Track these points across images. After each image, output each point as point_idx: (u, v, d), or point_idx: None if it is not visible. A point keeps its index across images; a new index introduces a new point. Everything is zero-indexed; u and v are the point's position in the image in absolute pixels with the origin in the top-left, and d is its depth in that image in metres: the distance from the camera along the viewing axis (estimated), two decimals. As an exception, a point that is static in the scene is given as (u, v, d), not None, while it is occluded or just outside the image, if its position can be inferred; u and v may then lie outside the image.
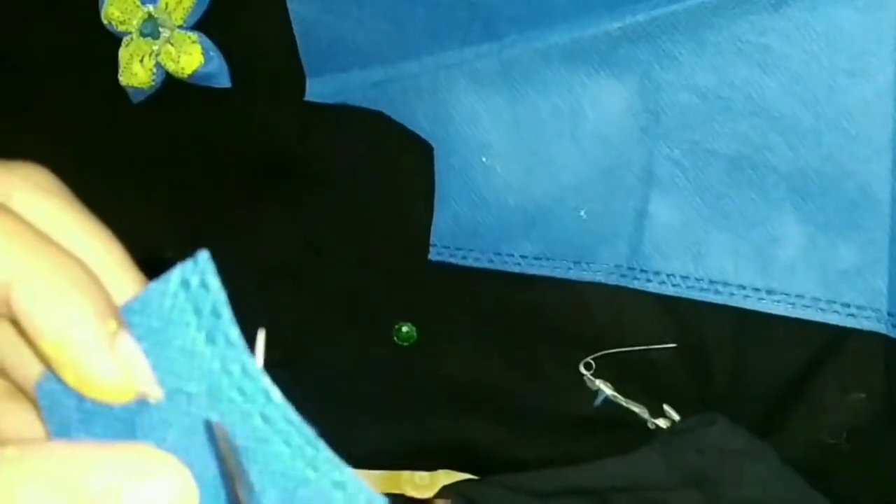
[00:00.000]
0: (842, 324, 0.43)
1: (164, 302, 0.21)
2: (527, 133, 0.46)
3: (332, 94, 0.48)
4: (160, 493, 0.19)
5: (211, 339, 0.20)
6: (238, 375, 0.20)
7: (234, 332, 0.20)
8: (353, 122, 0.48)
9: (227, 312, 0.20)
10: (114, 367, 0.20)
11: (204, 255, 0.20)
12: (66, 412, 0.22)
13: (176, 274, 0.20)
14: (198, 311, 0.20)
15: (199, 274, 0.20)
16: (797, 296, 0.44)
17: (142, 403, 0.21)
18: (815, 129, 0.42)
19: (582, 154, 0.46)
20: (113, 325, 0.20)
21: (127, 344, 0.20)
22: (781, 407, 0.45)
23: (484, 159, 0.47)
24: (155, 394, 0.20)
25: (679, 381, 0.47)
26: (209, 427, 0.20)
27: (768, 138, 0.43)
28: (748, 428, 0.45)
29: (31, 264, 0.19)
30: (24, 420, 0.23)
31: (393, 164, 0.48)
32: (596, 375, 0.48)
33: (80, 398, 0.21)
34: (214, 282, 0.20)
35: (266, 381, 0.20)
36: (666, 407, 0.47)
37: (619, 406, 0.48)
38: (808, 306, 0.43)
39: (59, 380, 0.21)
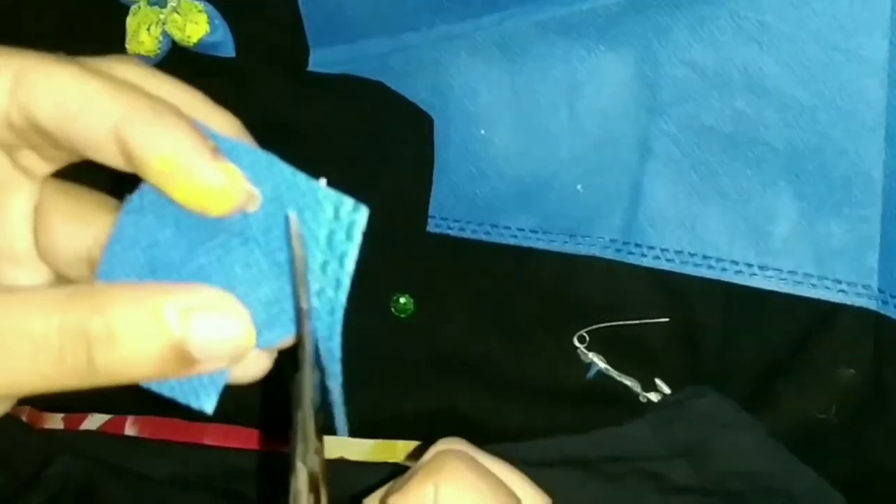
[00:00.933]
0: (832, 300, 0.43)
1: (296, 193, 0.23)
2: (525, 106, 0.47)
3: (334, 65, 0.48)
4: (222, 327, 0.22)
5: (323, 270, 0.23)
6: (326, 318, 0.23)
7: (346, 281, 0.22)
8: (354, 92, 0.48)
9: (350, 265, 0.22)
10: (219, 173, 0.22)
11: (364, 211, 0.23)
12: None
13: (332, 194, 0.22)
14: (329, 240, 0.22)
15: (351, 214, 0.22)
16: (789, 272, 0.44)
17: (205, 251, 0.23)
18: (811, 106, 0.43)
19: (579, 127, 0.46)
20: (212, 144, 0.23)
21: (225, 160, 0.23)
22: (771, 381, 0.46)
23: (482, 131, 0.47)
24: (254, 200, 0.23)
25: (671, 355, 0.47)
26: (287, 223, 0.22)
27: (764, 115, 0.43)
28: (738, 402, 0.46)
29: (138, 103, 0.22)
30: None
31: (393, 135, 0.49)
32: (589, 349, 0.48)
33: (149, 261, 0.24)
34: (358, 234, 0.22)
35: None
36: (657, 381, 0.48)
37: (612, 379, 0.48)
38: (799, 282, 0.44)
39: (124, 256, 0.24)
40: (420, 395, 0.53)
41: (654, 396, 0.48)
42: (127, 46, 0.49)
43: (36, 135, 0.23)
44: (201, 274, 0.24)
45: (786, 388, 0.45)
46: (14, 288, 0.24)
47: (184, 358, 0.21)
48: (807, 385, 0.44)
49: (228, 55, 0.49)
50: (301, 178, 0.23)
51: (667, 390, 0.47)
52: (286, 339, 0.24)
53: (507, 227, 0.49)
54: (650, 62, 0.44)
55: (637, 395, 0.48)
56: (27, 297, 0.22)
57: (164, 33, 0.48)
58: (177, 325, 0.21)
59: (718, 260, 0.45)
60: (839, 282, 0.43)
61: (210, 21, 0.48)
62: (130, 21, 0.49)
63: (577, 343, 0.49)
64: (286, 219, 0.23)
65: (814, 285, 0.44)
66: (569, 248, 0.48)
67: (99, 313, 0.21)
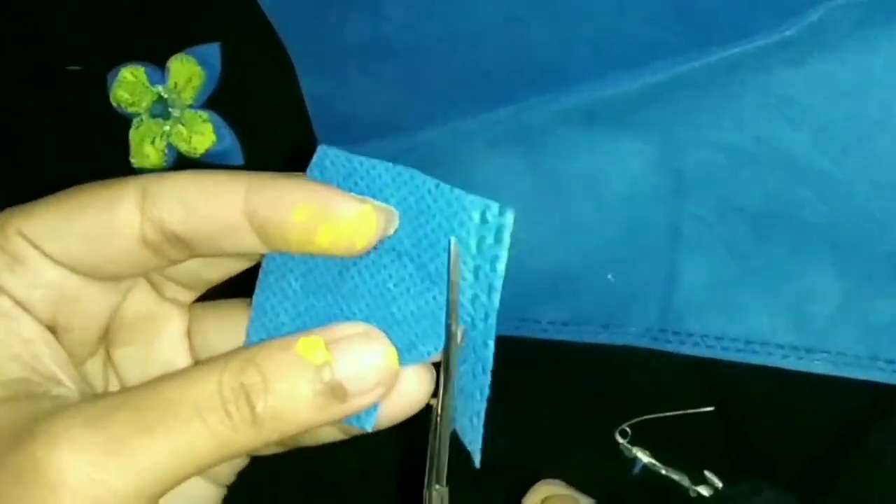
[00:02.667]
0: (887, 381, 0.41)
1: (442, 203, 0.24)
2: (548, 197, 0.45)
3: (347, 167, 0.47)
4: (365, 354, 0.23)
5: (475, 275, 0.24)
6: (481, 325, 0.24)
7: (498, 284, 0.24)
8: (370, 193, 0.47)
9: (501, 268, 0.24)
10: (355, 203, 0.23)
11: (510, 213, 0.24)
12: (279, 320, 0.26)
13: (477, 200, 0.24)
14: (479, 245, 0.24)
15: (498, 218, 0.24)
16: (838, 353, 0.42)
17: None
18: (846, 180, 0.41)
19: (606, 216, 0.45)
20: (335, 188, 0.24)
21: (352, 195, 0.24)
22: (827, 469, 0.44)
23: (505, 225, 0.46)
24: (394, 220, 0.24)
25: (719, 445, 0.46)
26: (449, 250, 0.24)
27: (797, 192, 0.42)
28: (793, 491, 0.44)
29: (257, 178, 0.24)
30: None
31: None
32: (632, 443, 0.46)
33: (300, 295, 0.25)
34: (507, 237, 0.24)
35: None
36: (707, 473, 0.46)
37: (659, 474, 0.46)
38: (850, 364, 0.42)
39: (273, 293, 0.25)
40: (454, 500, 0.50)
41: (704, 490, 0.46)
42: (132, 161, 0.48)
43: (172, 247, 0.24)
44: (356, 293, 0.25)
45: (845, 475, 0.43)
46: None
47: (336, 392, 0.23)
48: (866, 472, 0.42)
49: (237, 164, 0.47)
50: (445, 187, 0.24)
51: (717, 482, 0.45)
52: (439, 353, 0.25)
53: (537, 321, 0.47)
54: (675, 146, 0.43)
55: (686, 489, 0.46)
56: (190, 370, 0.23)
57: (170, 145, 0.47)
58: (322, 359, 0.23)
59: (762, 344, 0.43)
60: (892, 362, 0.41)
61: (216, 131, 0.47)
62: (133, 134, 0.48)
63: (618, 438, 0.47)
64: (444, 239, 0.24)
65: (865, 367, 0.42)
66: (603, 339, 0.46)
67: (251, 363, 0.23)
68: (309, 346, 0.23)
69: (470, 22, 0.42)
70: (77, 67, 0.50)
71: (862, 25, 0.40)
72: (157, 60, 0.48)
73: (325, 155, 0.25)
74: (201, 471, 0.24)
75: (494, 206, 0.23)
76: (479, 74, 0.44)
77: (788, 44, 0.41)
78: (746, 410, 0.45)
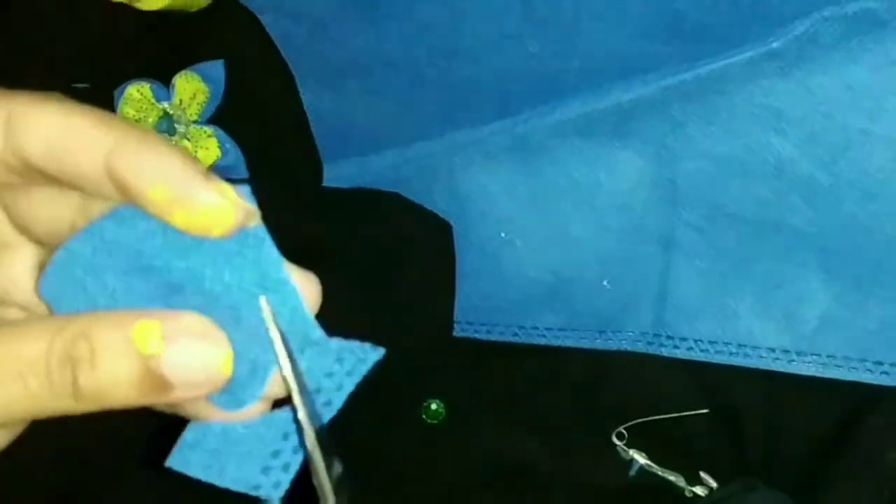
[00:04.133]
0: (875, 382, 0.42)
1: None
2: (544, 206, 0.46)
3: (348, 179, 0.48)
4: (198, 353, 0.23)
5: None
6: None
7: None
8: (371, 204, 0.48)
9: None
10: (214, 194, 0.22)
11: (373, 352, 0.24)
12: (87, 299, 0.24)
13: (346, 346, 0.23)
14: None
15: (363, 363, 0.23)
16: (828, 356, 0.43)
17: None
18: (835, 188, 0.42)
19: (601, 224, 0.46)
20: (204, 168, 0.23)
21: (218, 180, 0.23)
22: (820, 468, 0.45)
23: (503, 234, 0.47)
24: (253, 216, 0.23)
25: (713, 446, 0.46)
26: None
27: (787, 200, 0.43)
28: (786, 489, 0.45)
29: (126, 134, 0.23)
30: None
31: (412, 244, 0.48)
32: (629, 445, 0.47)
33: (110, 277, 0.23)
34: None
35: None
36: (702, 474, 0.46)
37: (655, 475, 0.47)
38: (839, 366, 0.43)
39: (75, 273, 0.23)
40: (455, 502, 0.51)
41: (700, 490, 0.47)
42: (138, 175, 0.49)
43: (35, 175, 0.24)
44: (191, 279, 0.23)
45: (836, 475, 0.44)
46: (10, 321, 0.26)
47: (160, 384, 0.22)
48: (857, 470, 0.43)
49: (241, 177, 0.48)
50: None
51: (712, 483, 0.46)
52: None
53: (535, 328, 0.48)
54: (667, 156, 0.44)
55: (682, 489, 0.47)
56: (23, 327, 0.23)
57: (175, 160, 0.48)
58: (153, 349, 0.22)
59: (754, 348, 0.44)
60: (880, 363, 0.43)
61: (221, 145, 0.48)
62: (140, 149, 0.49)
63: (615, 440, 0.48)
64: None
65: (854, 368, 0.43)
66: (599, 344, 0.47)
67: (84, 337, 0.22)
68: (144, 331, 0.22)
69: (466, 38, 0.44)
70: (83, 85, 0.51)
71: (846, 37, 0.41)
72: (162, 78, 0.49)
73: None
74: (10, 425, 0.24)
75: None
76: (475, 88, 0.45)
77: (775, 55, 0.42)
78: (739, 412, 0.46)
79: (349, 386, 0.24)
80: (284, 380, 0.23)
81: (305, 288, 0.24)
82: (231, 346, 0.23)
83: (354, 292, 0.50)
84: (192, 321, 0.23)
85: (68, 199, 0.25)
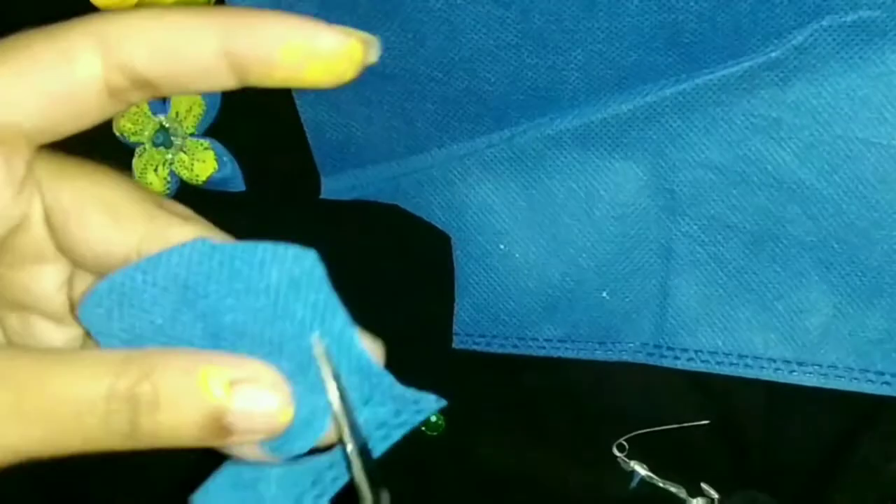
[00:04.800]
0: (877, 392, 0.42)
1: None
2: (543, 218, 0.46)
3: (346, 191, 0.48)
4: (262, 401, 0.22)
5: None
6: None
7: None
8: (369, 217, 0.48)
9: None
10: (340, 35, 0.22)
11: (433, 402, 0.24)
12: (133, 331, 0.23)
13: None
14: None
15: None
16: (829, 366, 0.43)
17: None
18: (834, 198, 0.42)
19: (600, 235, 0.46)
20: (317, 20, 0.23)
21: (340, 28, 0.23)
22: (822, 479, 0.44)
23: (502, 246, 0.47)
24: (375, 46, 0.23)
25: (714, 457, 0.46)
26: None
27: (787, 209, 0.43)
28: (788, 502, 0.45)
29: (233, 16, 0.22)
30: None
31: (411, 257, 0.48)
32: (630, 456, 0.47)
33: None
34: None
35: None
36: (704, 485, 0.46)
37: (657, 486, 0.47)
38: (840, 376, 0.43)
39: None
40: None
41: (701, 501, 0.46)
42: (134, 188, 0.49)
43: (138, 90, 0.23)
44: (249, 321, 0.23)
45: (838, 485, 0.44)
46: (57, 350, 0.25)
47: (221, 429, 0.22)
48: (859, 482, 0.43)
49: (238, 190, 0.48)
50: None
51: (714, 494, 0.46)
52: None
53: (535, 339, 0.48)
54: (666, 166, 0.44)
55: (684, 500, 0.47)
56: (81, 361, 0.22)
57: (172, 173, 0.48)
58: (220, 396, 0.21)
59: (755, 358, 0.44)
60: (882, 373, 0.42)
61: (218, 158, 0.47)
62: (136, 163, 0.49)
63: (616, 452, 0.47)
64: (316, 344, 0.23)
65: (856, 379, 0.43)
66: (599, 355, 0.47)
67: (148, 379, 0.21)
68: (212, 376, 0.22)
69: (463, 49, 0.43)
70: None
71: (845, 47, 0.41)
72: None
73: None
74: (55, 455, 0.23)
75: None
76: (473, 100, 0.45)
77: (774, 65, 0.42)
78: (741, 423, 0.45)
79: (396, 436, 0.24)
80: (339, 430, 0.23)
81: (370, 346, 0.24)
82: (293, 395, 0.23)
83: (352, 305, 0.50)
84: (259, 369, 0.22)
85: (126, 236, 0.24)
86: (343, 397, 0.23)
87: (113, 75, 0.22)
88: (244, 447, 0.24)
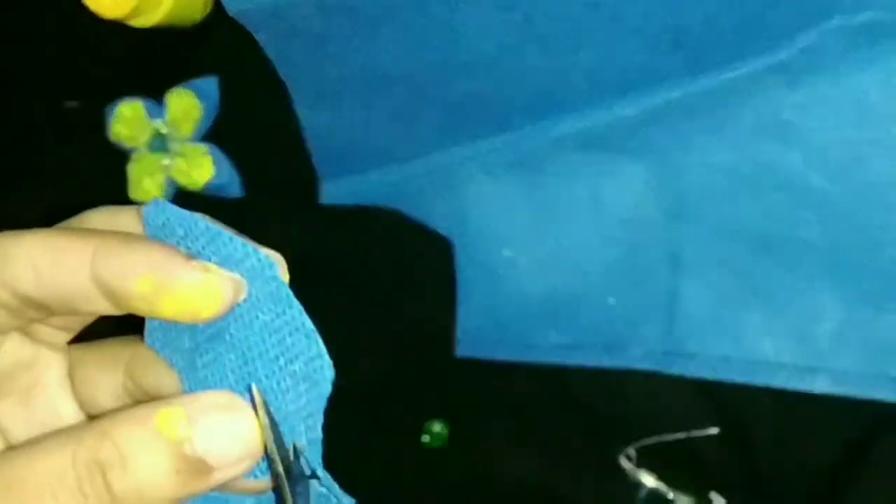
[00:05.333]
0: (889, 399, 0.41)
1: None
2: (547, 222, 0.45)
3: (347, 196, 0.47)
4: (226, 426, 0.22)
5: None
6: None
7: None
8: (370, 221, 0.47)
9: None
10: (197, 273, 0.22)
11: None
12: None
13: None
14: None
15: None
16: (841, 372, 0.42)
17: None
18: (845, 201, 0.41)
19: (605, 240, 0.45)
20: (183, 252, 0.23)
21: (199, 261, 0.23)
22: (834, 488, 0.44)
23: (505, 251, 0.46)
24: (242, 288, 0.23)
25: (725, 466, 0.45)
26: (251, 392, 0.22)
27: (797, 213, 0.42)
28: (801, 511, 0.44)
29: (105, 241, 0.22)
30: None
31: (413, 262, 0.47)
32: (638, 466, 0.46)
33: None
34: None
35: None
36: (713, 494, 0.45)
37: (664, 496, 0.46)
38: (853, 382, 0.42)
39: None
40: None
41: (710, 511, 0.46)
42: (130, 195, 0.48)
43: (31, 310, 0.23)
44: (205, 383, 0.24)
45: (850, 494, 0.43)
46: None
47: (199, 467, 0.21)
48: (873, 490, 0.42)
49: (237, 195, 0.47)
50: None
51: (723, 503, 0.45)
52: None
53: (540, 346, 0.47)
54: (673, 169, 0.43)
55: (693, 510, 0.46)
56: (42, 441, 0.22)
57: (169, 179, 0.47)
58: (182, 433, 0.21)
59: (765, 365, 0.43)
60: (895, 380, 0.42)
61: (215, 163, 0.47)
62: (132, 168, 0.48)
63: (624, 461, 0.46)
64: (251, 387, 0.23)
65: (868, 385, 0.42)
66: (606, 362, 0.46)
67: (107, 438, 0.21)
68: (169, 419, 0.21)
69: (464, 52, 0.43)
70: (73, 103, 0.50)
71: (854, 48, 0.40)
72: (154, 95, 0.48)
73: (161, 211, 0.24)
74: None
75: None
76: (475, 103, 0.44)
77: (782, 67, 0.41)
78: (751, 431, 0.45)
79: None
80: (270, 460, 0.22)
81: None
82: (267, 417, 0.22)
83: (354, 311, 0.49)
84: (213, 398, 0.22)
85: (116, 368, 0.26)
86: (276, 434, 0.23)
87: (3, 294, 0.23)
88: (238, 483, 0.23)
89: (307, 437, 0.23)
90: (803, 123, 0.41)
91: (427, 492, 0.50)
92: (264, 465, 0.23)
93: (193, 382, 0.24)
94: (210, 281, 0.22)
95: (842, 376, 0.42)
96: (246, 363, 0.23)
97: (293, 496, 0.23)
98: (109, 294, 0.22)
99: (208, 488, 0.22)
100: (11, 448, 0.24)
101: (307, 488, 0.23)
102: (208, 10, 0.48)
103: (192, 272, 0.22)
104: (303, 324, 0.23)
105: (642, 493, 0.46)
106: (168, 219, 0.24)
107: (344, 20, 0.43)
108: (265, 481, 0.24)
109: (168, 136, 0.47)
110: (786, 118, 0.42)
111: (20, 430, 0.26)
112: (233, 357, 0.23)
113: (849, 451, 0.43)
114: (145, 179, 0.47)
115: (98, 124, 0.49)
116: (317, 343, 0.23)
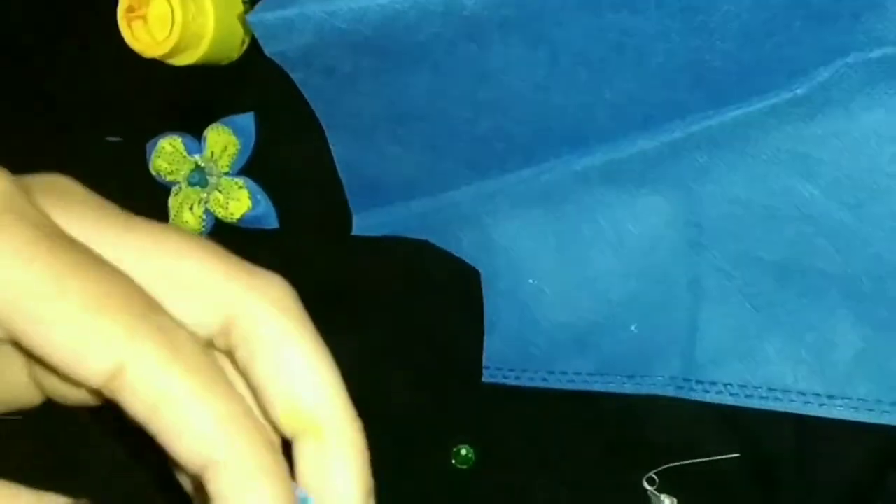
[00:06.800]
0: (908, 425, 0.42)
1: None
2: (572, 253, 0.47)
3: (377, 228, 0.49)
4: None
5: None
6: None
7: None
8: (400, 252, 0.49)
9: None
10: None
11: None
12: None
13: None
14: None
15: None
16: (859, 399, 0.43)
17: None
18: (862, 231, 0.42)
19: (628, 270, 0.46)
20: None
21: None
22: (855, 513, 0.44)
23: (531, 281, 0.47)
24: None
25: (746, 491, 0.46)
26: None
27: (815, 243, 0.43)
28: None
29: (230, 446, 0.19)
30: None
31: (441, 291, 0.49)
32: (660, 490, 0.47)
33: None
34: None
35: None
36: (735, 519, 0.46)
37: (688, 520, 0.47)
38: (871, 409, 0.43)
39: None
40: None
41: (733, 535, 0.46)
42: (170, 226, 0.50)
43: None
44: None
45: (871, 520, 0.44)
46: None
47: None
48: (892, 515, 0.43)
49: (272, 227, 0.49)
50: None
51: (745, 528, 0.46)
52: None
53: (564, 373, 0.48)
54: (693, 201, 0.45)
55: (715, 534, 0.47)
56: None
57: (207, 211, 0.49)
58: None
59: (785, 391, 0.44)
60: (913, 407, 0.42)
61: (252, 196, 0.48)
62: (172, 201, 0.50)
63: (646, 485, 0.47)
64: None
65: (886, 412, 0.43)
66: (629, 389, 0.47)
67: None
68: None
69: (492, 89, 0.44)
70: (116, 139, 0.52)
71: (871, 83, 0.41)
72: (194, 131, 0.50)
73: None
74: None
75: None
76: (502, 138, 0.46)
77: (800, 101, 0.42)
78: (771, 457, 0.45)
79: None
80: None
81: None
82: None
83: (384, 340, 0.50)
84: None
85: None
86: None
87: None
88: None
89: None
90: (821, 156, 0.43)
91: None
92: None
93: None
94: None
95: (861, 403, 0.43)
96: None
97: None
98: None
99: None
100: None
101: None
102: (245, 49, 0.50)
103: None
104: None
105: (665, 517, 0.47)
106: None
107: (374, 60, 0.44)
108: None
109: (206, 171, 0.49)
110: (804, 151, 0.43)
111: None
112: None
113: (867, 476, 0.44)
114: (185, 212, 0.49)
115: (140, 159, 0.51)
116: None
